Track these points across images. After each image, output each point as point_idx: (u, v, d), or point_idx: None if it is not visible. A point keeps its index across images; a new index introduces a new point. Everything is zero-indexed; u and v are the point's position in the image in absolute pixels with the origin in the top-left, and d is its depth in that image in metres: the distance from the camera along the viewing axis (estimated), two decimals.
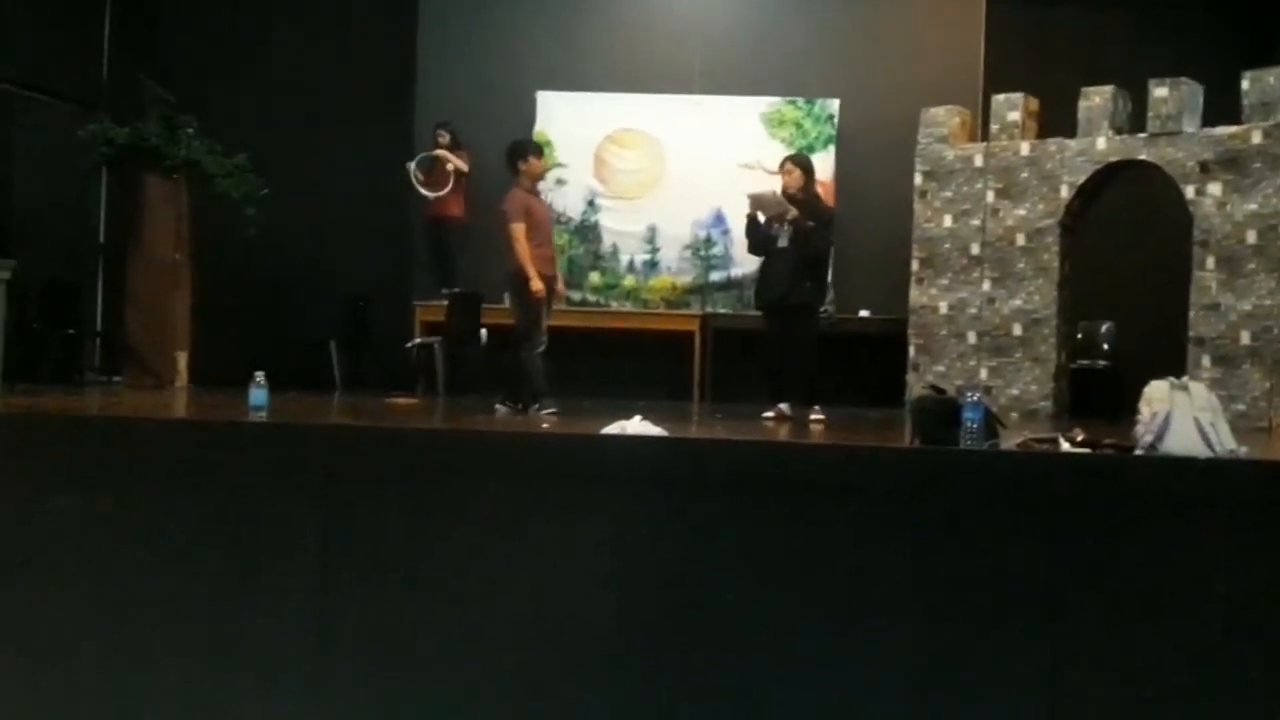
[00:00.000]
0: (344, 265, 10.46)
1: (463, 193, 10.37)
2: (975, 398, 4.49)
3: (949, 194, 9.41)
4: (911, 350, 9.51)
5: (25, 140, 10.02)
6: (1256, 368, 8.12)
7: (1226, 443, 4.31)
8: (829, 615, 4.01)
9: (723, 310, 10.42)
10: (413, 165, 10.36)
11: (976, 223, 9.29)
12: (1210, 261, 8.33)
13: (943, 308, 9.39)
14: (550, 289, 7.81)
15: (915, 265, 9.52)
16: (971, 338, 9.28)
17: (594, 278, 10.59)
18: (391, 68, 10.77)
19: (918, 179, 9.55)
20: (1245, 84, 8.33)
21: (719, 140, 10.56)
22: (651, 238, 10.67)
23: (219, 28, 10.84)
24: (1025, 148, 9.14)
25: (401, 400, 8.45)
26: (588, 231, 10.70)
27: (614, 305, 10.63)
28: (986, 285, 9.24)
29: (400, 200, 10.57)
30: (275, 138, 10.10)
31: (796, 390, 7.60)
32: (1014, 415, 8.50)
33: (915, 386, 9.07)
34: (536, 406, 7.44)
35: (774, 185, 8.07)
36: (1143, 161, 8.70)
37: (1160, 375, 4.51)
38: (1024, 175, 9.11)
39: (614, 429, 4.79)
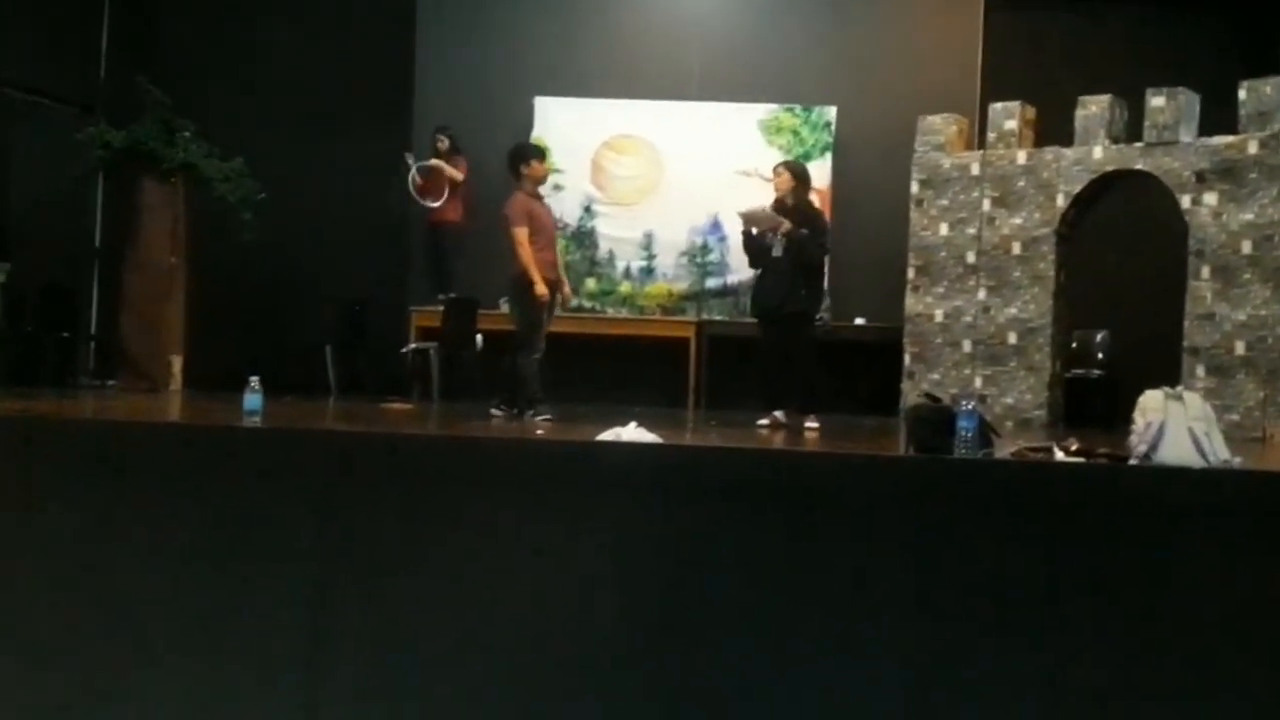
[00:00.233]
0: (340, 270, 10.46)
1: (460, 198, 10.37)
2: (970, 406, 4.49)
3: (945, 202, 9.42)
4: (907, 358, 9.51)
5: (22, 143, 10.02)
6: (1251, 378, 8.13)
7: (1221, 453, 4.31)
8: (825, 622, 4.01)
9: (718, 317, 10.43)
10: (413, 166, 10.36)
11: (972, 231, 9.30)
12: (1205, 271, 8.34)
13: (938, 316, 9.40)
14: (554, 293, 7.77)
15: (911, 273, 9.53)
16: (967, 346, 9.29)
17: (590, 284, 10.59)
18: (389, 72, 10.77)
19: (914, 187, 9.56)
20: (1242, 94, 8.35)
21: (716, 147, 10.57)
22: (648, 244, 10.68)
23: (217, 31, 10.84)
24: (1022, 156, 9.16)
25: (397, 405, 8.44)
26: (584, 237, 10.70)
27: (610, 311, 10.63)
28: (982, 294, 9.24)
29: (397, 205, 10.57)
30: (272, 142, 10.10)
31: (795, 398, 7.60)
32: (1008, 424, 8.51)
33: (910, 394, 9.07)
34: (531, 413, 7.44)
35: (769, 194, 8.05)
36: (1139, 171, 8.72)
37: (1155, 385, 4.51)
38: (1020, 184, 9.12)
39: (609, 435, 4.79)
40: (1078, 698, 3.88)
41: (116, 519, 4.32)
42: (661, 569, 4.10)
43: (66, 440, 4.66)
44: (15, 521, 4.35)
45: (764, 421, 7.55)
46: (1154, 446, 4.27)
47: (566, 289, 8.12)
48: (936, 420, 4.55)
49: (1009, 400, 9.06)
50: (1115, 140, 8.84)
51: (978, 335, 9.25)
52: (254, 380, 5.55)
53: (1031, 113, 9.34)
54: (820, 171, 10.38)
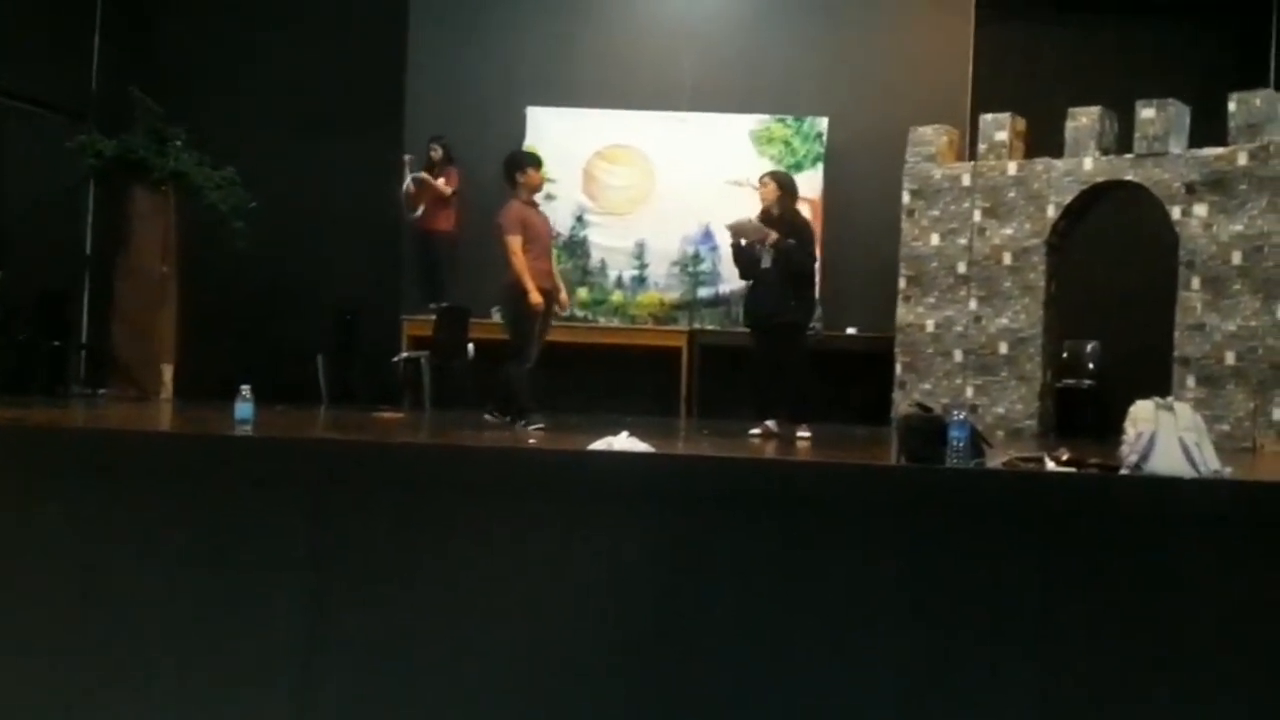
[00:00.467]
0: (331, 279, 10.44)
1: (453, 208, 10.37)
2: (961, 416, 4.50)
3: (936, 213, 9.45)
4: (898, 368, 9.53)
5: (13, 151, 9.99)
6: (1241, 388, 8.16)
7: (1211, 463, 4.32)
8: (818, 631, 4.01)
9: (710, 326, 10.43)
10: (409, 175, 10.36)
11: (963, 241, 9.33)
12: (1195, 282, 8.37)
13: (929, 326, 9.42)
14: (550, 302, 7.71)
15: (902, 283, 9.55)
16: (958, 356, 9.31)
17: (582, 293, 10.59)
18: (381, 82, 10.77)
19: (905, 197, 9.59)
20: (1232, 106, 8.38)
21: (708, 157, 10.58)
22: (640, 254, 10.69)
23: (209, 40, 10.83)
24: (1012, 167, 9.19)
25: (388, 414, 8.43)
26: (576, 247, 10.71)
27: (602, 321, 10.63)
28: (973, 304, 9.27)
29: (389, 214, 10.57)
30: (264, 151, 10.10)
31: (788, 408, 7.60)
32: (999, 434, 8.52)
33: (901, 404, 9.09)
34: (523, 422, 7.41)
35: (759, 204, 8.06)
36: (1129, 182, 8.75)
37: (1145, 395, 4.52)
38: (1011, 195, 9.15)
39: (601, 445, 4.79)
40: (1070, 706, 3.89)
41: (108, 528, 4.31)
42: (654, 578, 4.10)
43: (58, 449, 4.65)
44: (8, 530, 4.33)
45: (756, 431, 7.55)
46: (1145, 456, 4.27)
47: (563, 296, 8.05)
48: (928, 430, 4.55)
49: (1000, 410, 9.09)
50: (1105, 151, 8.87)
51: (969, 345, 9.27)
52: (245, 389, 5.56)
53: (1022, 124, 9.38)
54: (812, 182, 10.40)
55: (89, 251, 10.78)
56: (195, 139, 9.44)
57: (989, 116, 9.42)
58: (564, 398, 8.73)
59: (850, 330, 10.22)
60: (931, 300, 9.43)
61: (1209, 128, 8.56)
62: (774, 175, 8.01)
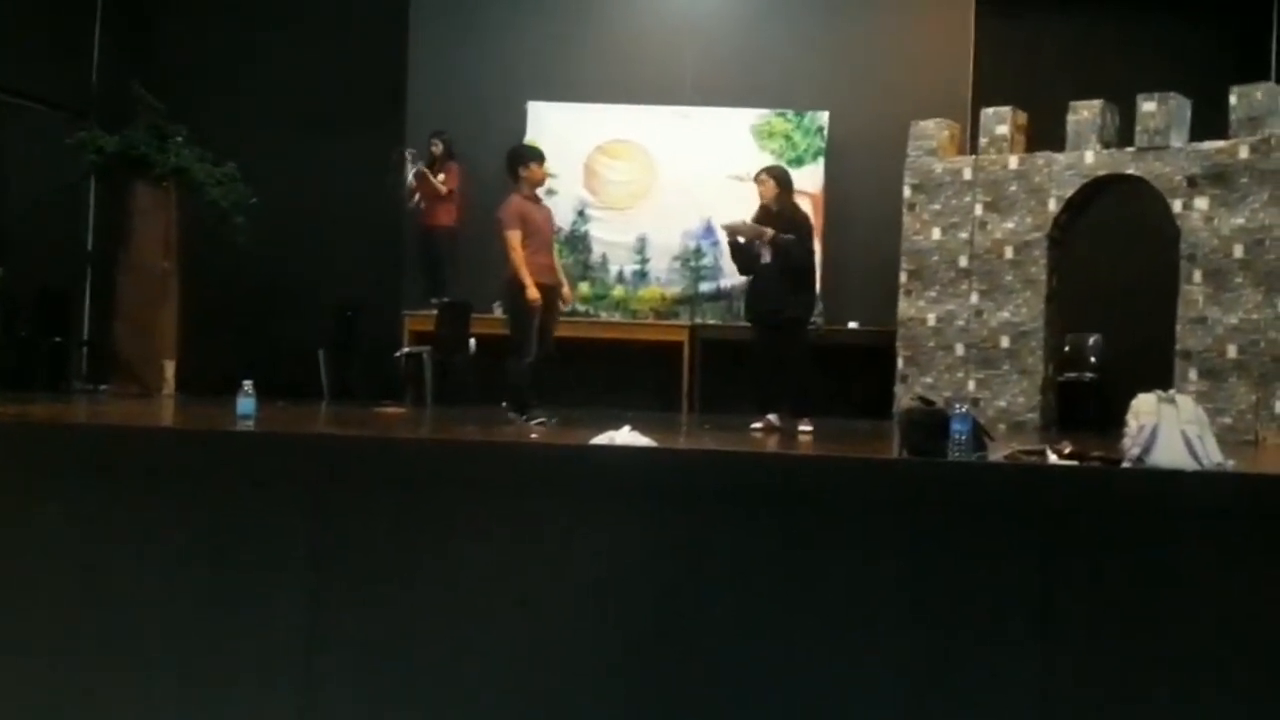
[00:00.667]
0: (333, 274, 10.45)
1: (454, 203, 10.36)
2: (963, 410, 4.50)
3: (937, 207, 9.44)
4: (900, 362, 9.53)
5: (14, 147, 9.99)
6: (1243, 381, 8.15)
7: (1213, 456, 4.33)
8: (821, 625, 4.01)
9: (712, 321, 10.43)
10: (415, 165, 10.36)
11: (965, 235, 9.32)
12: (1197, 275, 8.36)
13: (931, 320, 9.42)
14: (552, 297, 7.66)
15: (904, 277, 9.55)
16: (959, 350, 9.30)
17: (584, 288, 10.59)
18: (382, 77, 10.78)
19: (906, 191, 9.58)
20: (1233, 99, 8.37)
21: (709, 152, 10.58)
22: (641, 248, 10.69)
23: (210, 36, 10.83)
24: (1014, 161, 9.18)
25: (390, 410, 8.43)
26: (577, 242, 10.71)
27: (603, 315, 10.63)
28: (974, 298, 9.26)
29: (390, 210, 10.57)
30: (266, 146, 10.11)
31: (790, 402, 7.60)
32: (1001, 427, 8.52)
33: (903, 398, 9.08)
34: (525, 417, 7.40)
35: (757, 200, 8.05)
36: (1130, 176, 8.74)
37: (1147, 388, 4.52)
38: (1012, 188, 9.14)
39: (603, 439, 4.80)
40: (1073, 699, 3.89)
41: (110, 524, 4.31)
42: (656, 572, 4.10)
43: (60, 445, 4.65)
44: (9, 526, 4.34)
45: (758, 425, 7.55)
46: (1147, 449, 4.28)
47: (566, 290, 8.01)
48: (930, 424, 4.56)
49: (1002, 404, 9.08)
50: (1107, 145, 8.86)
51: (970, 339, 9.27)
52: (247, 384, 5.58)
53: (1023, 118, 9.37)
54: (813, 176, 10.41)
55: (90, 248, 10.79)
56: (196, 135, 9.43)
57: (990, 110, 9.41)
58: (566, 393, 8.72)
59: (852, 324, 10.22)
60: (933, 294, 9.42)
61: (1210, 121, 8.55)
62: (770, 172, 7.97)
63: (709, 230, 10.42)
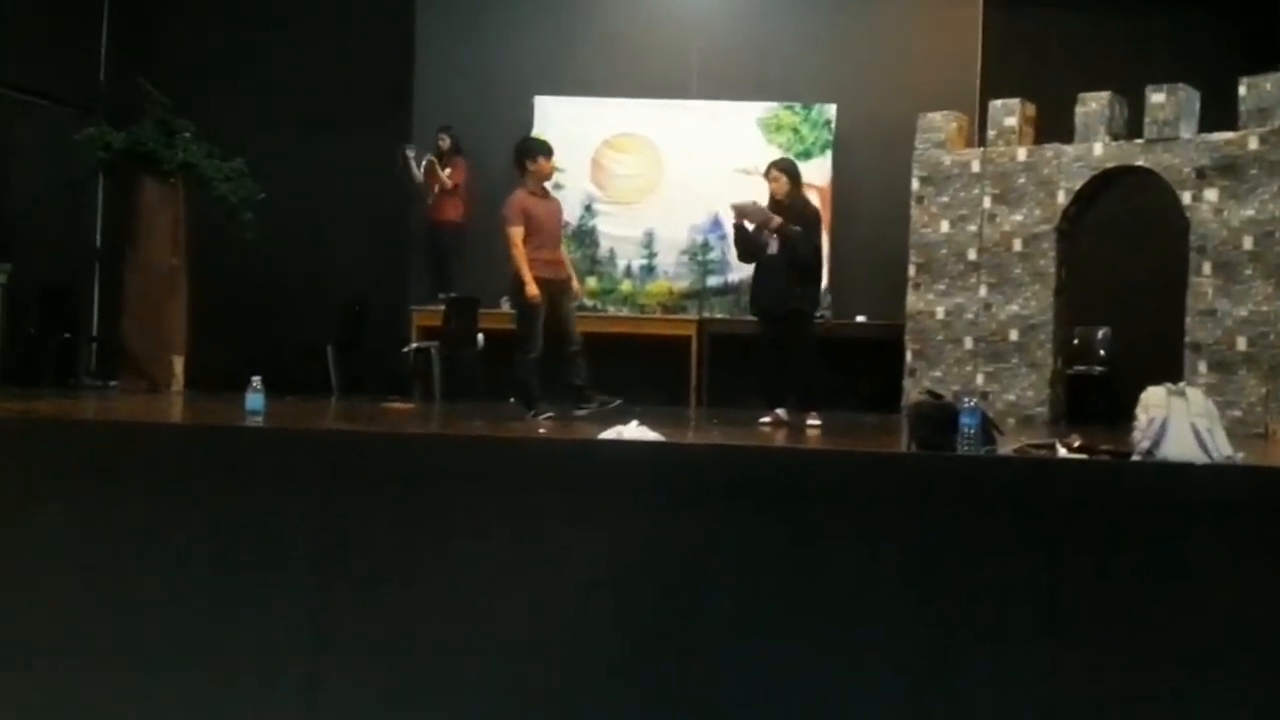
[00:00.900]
0: (341, 270, 10.46)
1: (460, 198, 10.37)
2: (972, 403, 4.49)
3: (946, 199, 9.42)
4: (908, 355, 9.51)
5: (22, 144, 10.01)
6: (1253, 373, 8.12)
7: (1223, 449, 4.31)
8: (828, 617, 4.01)
9: (719, 315, 10.42)
10: (421, 157, 10.34)
11: (973, 228, 9.30)
12: (1207, 267, 8.33)
13: (939, 313, 9.40)
14: (559, 292, 7.61)
15: (912, 271, 9.52)
16: (968, 343, 9.28)
17: (591, 282, 10.57)
18: (389, 72, 10.77)
19: (915, 184, 9.55)
20: (1242, 90, 8.33)
21: (716, 145, 10.56)
22: (649, 243, 10.67)
23: (216, 32, 10.83)
24: (1022, 153, 9.15)
25: (398, 405, 8.43)
26: (585, 236, 10.70)
27: (611, 310, 10.62)
28: (983, 291, 9.24)
29: (398, 205, 10.57)
30: (273, 142, 10.11)
31: (795, 396, 7.59)
32: (1010, 421, 8.50)
33: (912, 392, 9.06)
34: (532, 412, 7.40)
35: (762, 191, 8.02)
36: (1139, 167, 8.71)
37: (1157, 381, 4.51)
38: (1021, 181, 9.12)
39: (611, 434, 4.79)
40: (1080, 694, 3.88)
41: (118, 520, 4.32)
42: (664, 566, 4.10)
43: (68, 441, 4.66)
44: (17, 522, 4.34)
45: (766, 419, 7.54)
46: (1157, 443, 4.26)
47: (576, 284, 7.97)
48: (939, 417, 4.55)
49: (1011, 397, 9.06)
50: (1116, 137, 8.83)
51: (979, 332, 9.24)
52: (256, 380, 5.58)
53: (1032, 109, 9.33)
54: (821, 169, 10.38)
55: (98, 244, 10.81)
56: (203, 132, 9.44)
57: (998, 102, 9.37)
58: (609, 387, 8.68)
59: (860, 318, 10.20)
60: (941, 287, 9.40)
61: (1219, 112, 8.51)
62: (781, 167, 7.92)
63: (716, 224, 10.40)
